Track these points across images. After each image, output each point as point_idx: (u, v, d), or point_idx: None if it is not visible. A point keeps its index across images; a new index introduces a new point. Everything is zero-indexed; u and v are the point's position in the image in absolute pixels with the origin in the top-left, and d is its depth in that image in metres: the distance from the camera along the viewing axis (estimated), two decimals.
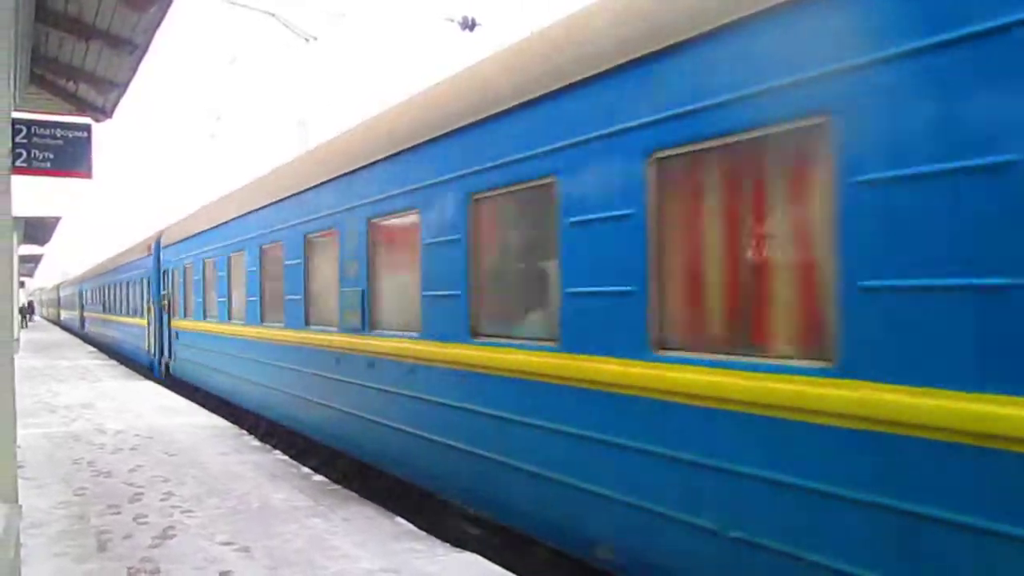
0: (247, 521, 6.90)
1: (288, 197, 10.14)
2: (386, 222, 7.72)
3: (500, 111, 5.85)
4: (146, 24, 7.11)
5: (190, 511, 7.22)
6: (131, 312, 23.36)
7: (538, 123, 5.43)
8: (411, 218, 7.15)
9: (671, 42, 4.32)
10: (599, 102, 4.89)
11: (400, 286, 7.53)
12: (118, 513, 7.18)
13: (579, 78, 5.02)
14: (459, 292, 6.34)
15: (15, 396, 5.61)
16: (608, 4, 5.09)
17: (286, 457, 9.83)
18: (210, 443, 10.73)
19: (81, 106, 9.64)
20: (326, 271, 8.95)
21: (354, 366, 8.21)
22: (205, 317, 14.67)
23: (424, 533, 6.56)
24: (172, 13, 6.80)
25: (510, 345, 5.79)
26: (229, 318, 12.97)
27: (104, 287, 31.13)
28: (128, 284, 24.09)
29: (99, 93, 9.37)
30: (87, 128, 8.87)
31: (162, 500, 7.64)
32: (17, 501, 5.50)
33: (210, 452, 10.06)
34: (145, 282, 20.67)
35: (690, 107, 4.22)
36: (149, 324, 20.11)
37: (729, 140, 4.04)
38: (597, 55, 4.89)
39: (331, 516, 7.04)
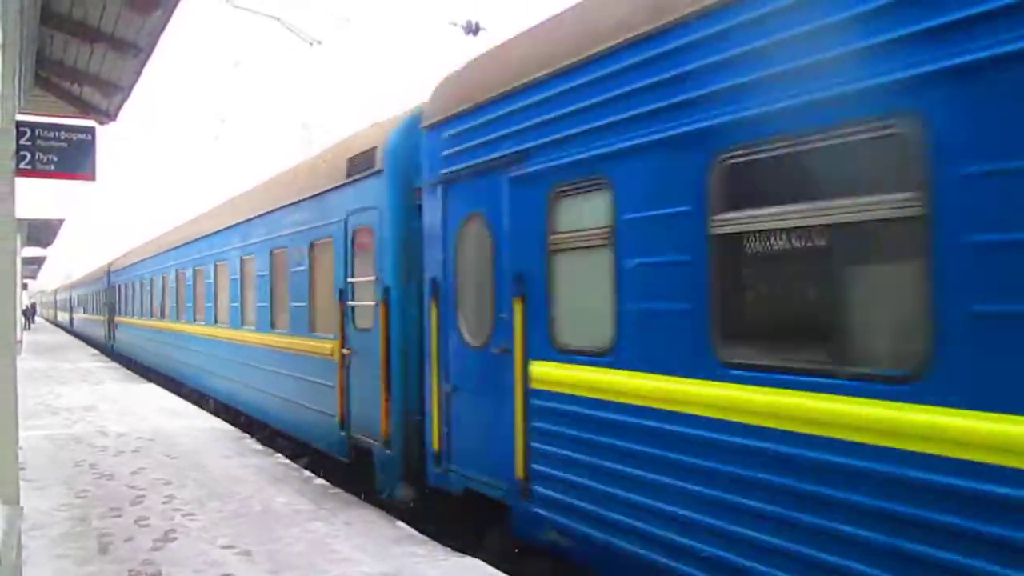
0: (248, 524, 6.90)
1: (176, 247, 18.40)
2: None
3: None
4: (151, 27, 7.11)
5: (192, 514, 7.23)
6: (96, 312, 36.62)
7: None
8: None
9: None
10: None
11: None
12: (119, 516, 7.19)
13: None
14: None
15: (17, 397, 5.62)
16: None
17: (288, 461, 9.84)
18: (212, 446, 10.74)
19: (85, 109, 9.64)
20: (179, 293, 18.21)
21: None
22: (129, 315, 26.21)
23: (425, 538, 6.56)
24: (176, 16, 6.80)
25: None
26: (134, 315, 24.78)
27: (84, 294, 43.86)
28: (96, 293, 36.95)
29: (103, 96, 9.37)
30: (91, 131, 8.87)
31: (164, 503, 7.64)
32: (19, 503, 5.50)
33: (212, 455, 10.07)
34: (104, 293, 33.11)
35: None
36: (105, 319, 32.48)
37: None
38: None
39: (332, 520, 7.04)
